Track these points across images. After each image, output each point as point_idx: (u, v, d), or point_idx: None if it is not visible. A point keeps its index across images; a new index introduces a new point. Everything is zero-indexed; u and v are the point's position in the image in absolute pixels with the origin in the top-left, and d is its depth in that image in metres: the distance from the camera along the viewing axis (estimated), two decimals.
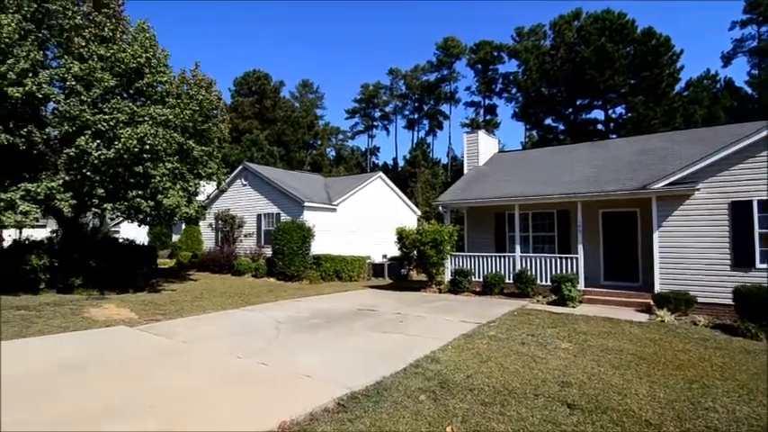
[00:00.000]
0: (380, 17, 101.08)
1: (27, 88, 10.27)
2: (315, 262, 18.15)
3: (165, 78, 12.81)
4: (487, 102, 66.99)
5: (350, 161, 66.29)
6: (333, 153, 73.18)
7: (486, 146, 18.19)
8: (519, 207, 13.61)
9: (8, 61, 10.16)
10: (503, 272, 13.42)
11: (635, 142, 15.36)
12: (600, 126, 48.62)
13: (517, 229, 13.62)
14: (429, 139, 71.47)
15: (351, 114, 76.57)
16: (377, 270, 20.06)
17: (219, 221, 21.99)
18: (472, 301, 12.14)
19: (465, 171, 17.74)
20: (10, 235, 20.12)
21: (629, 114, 43.84)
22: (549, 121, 52.67)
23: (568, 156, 16.02)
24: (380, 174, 25.20)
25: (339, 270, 18.33)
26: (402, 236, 14.53)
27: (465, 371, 5.63)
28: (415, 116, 72.99)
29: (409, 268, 20.25)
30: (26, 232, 18.40)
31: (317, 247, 18.58)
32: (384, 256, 22.09)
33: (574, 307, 10.92)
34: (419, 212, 28.36)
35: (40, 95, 10.65)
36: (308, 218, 18.91)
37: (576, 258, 12.27)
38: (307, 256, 17.84)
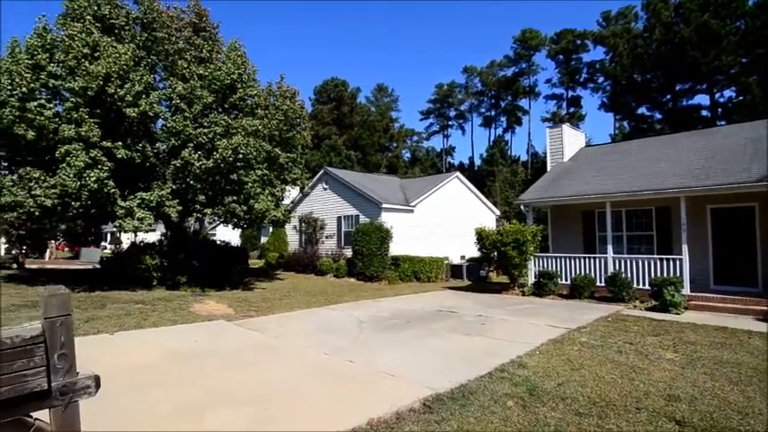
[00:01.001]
0: (453, 17, 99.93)
1: (141, 108, 11.65)
2: (393, 263, 18.37)
3: (255, 92, 13.79)
4: (571, 94, 63.29)
5: (425, 162, 66.25)
6: (408, 155, 73.69)
7: (571, 140, 17.15)
8: (611, 204, 12.63)
9: (126, 85, 11.59)
10: (593, 274, 12.54)
11: (749, 128, 13.52)
12: (705, 112, 43.64)
13: (609, 229, 12.66)
14: (507, 137, 69.19)
15: (425, 115, 76.57)
16: (455, 271, 19.80)
17: (303, 224, 23.14)
18: (559, 305, 11.50)
19: (548, 168, 16.88)
20: (129, 238, 22.94)
21: (741, 97, 38.75)
22: (642, 110, 48.36)
23: (668, 147, 14.54)
24: (457, 173, 24.86)
25: (417, 271, 18.38)
26: (481, 236, 14.18)
27: (555, 378, 5.35)
28: (492, 113, 71.03)
29: (489, 270, 19.72)
30: (140, 236, 20.85)
31: (395, 248, 18.79)
32: (462, 257, 21.74)
33: (678, 314, 9.89)
34: (498, 212, 27.52)
35: (151, 114, 12.03)
36: (386, 219, 19.20)
37: (680, 260, 11.09)
38: (385, 256, 18.13)
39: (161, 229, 16.61)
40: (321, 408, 4.45)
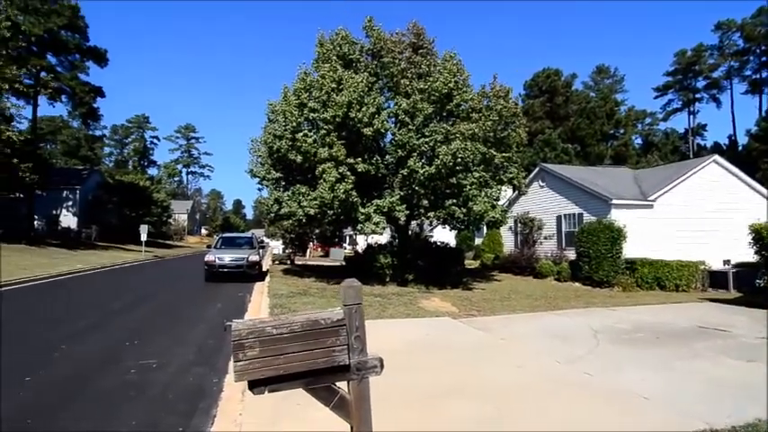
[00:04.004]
0: None
1: (375, 127, 13.42)
2: (628, 267, 16.06)
3: (469, 96, 14.22)
4: None
5: (663, 147, 55.75)
6: (639, 141, 63.46)
7: None
8: None
9: (362, 109, 13.53)
10: None
11: None
12: None
13: None
14: None
15: (662, 91, 64.47)
16: (716, 279, 15.97)
17: (518, 224, 22.51)
18: None
19: None
20: (365, 240, 26.76)
21: None
22: None
23: None
24: (715, 157, 20.00)
25: (660, 277, 15.57)
26: (760, 235, 11.02)
27: None
28: (763, 75, 54.64)
29: None
30: (373, 238, 23.98)
31: (630, 250, 16.36)
32: (726, 262, 17.32)
33: None
34: None
35: (382, 131, 13.76)
36: (617, 217, 16.94)
37: None
38: (617, 259, 16.00)
39: (387, 231, 18.73)
40: (560, 418, 4.21)
